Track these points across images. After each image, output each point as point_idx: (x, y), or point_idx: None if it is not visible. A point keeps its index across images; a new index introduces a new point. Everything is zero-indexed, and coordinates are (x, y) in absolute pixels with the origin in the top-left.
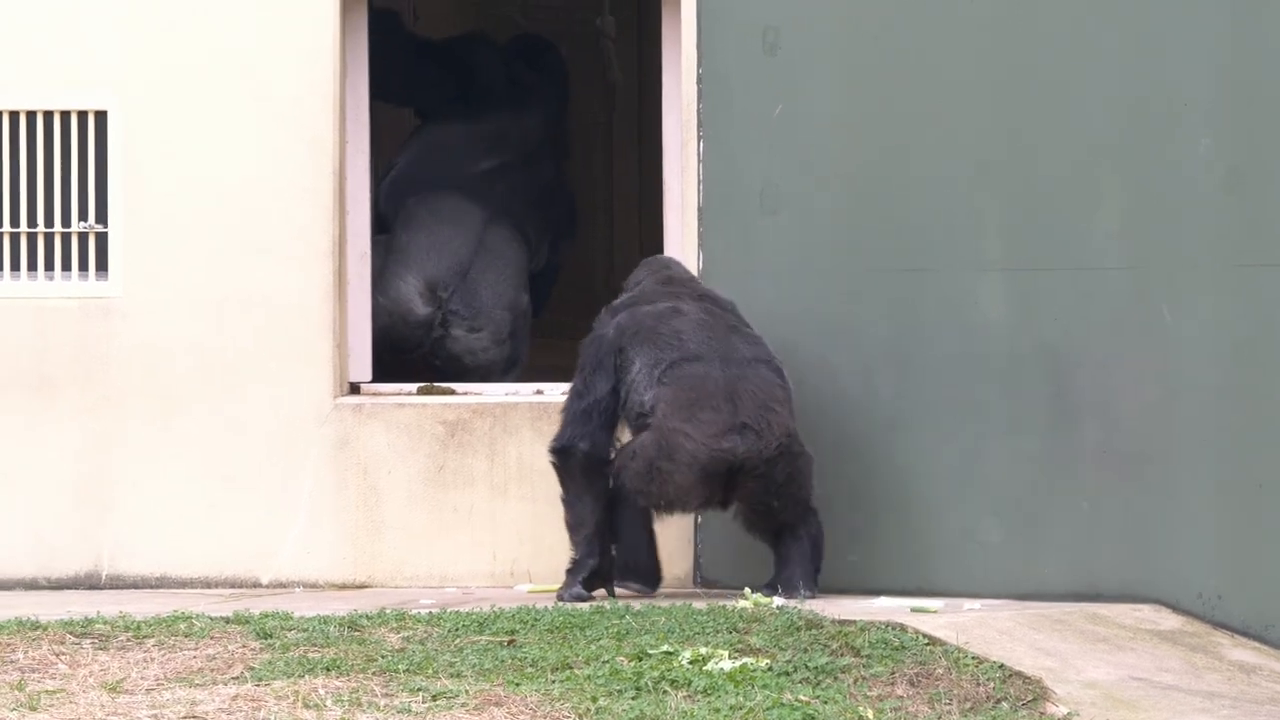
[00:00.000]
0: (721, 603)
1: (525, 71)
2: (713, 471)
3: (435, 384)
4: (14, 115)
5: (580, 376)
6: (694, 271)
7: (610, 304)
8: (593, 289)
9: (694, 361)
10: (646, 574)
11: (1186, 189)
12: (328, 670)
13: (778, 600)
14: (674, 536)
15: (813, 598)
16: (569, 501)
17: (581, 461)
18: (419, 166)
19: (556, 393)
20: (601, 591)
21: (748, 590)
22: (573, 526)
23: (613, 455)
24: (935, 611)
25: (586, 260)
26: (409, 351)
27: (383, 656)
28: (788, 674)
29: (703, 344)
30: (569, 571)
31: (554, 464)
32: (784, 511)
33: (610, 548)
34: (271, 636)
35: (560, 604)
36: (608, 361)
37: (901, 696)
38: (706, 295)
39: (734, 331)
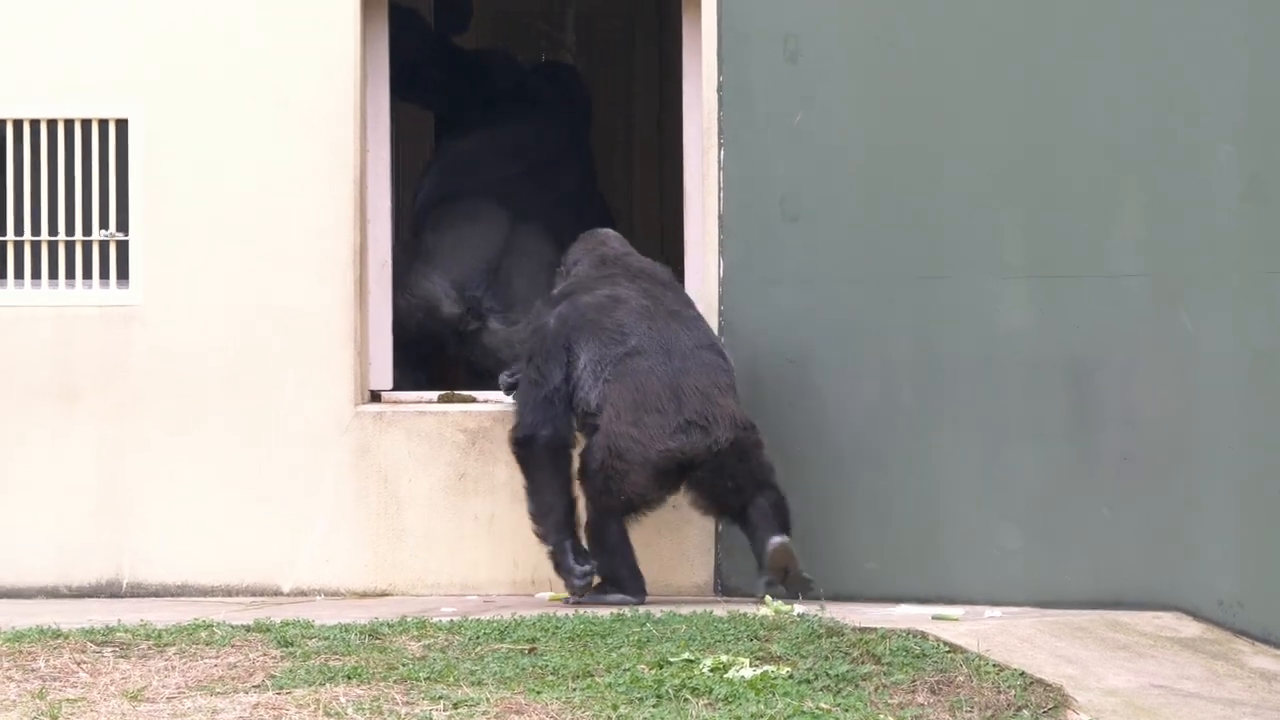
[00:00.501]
0: (742, 610)
1: (544, 86)
2: (665, 470)
3: (456, 392)
4: (35, 124)
5: (533, 365)
6: (715, 279)
7: (548, 294)
8: None
9: (637, 356)
10: (630, 584)
11: (1206, 197)
12: (349, 678)
13: (799, 608)
14: (694, 545)
15: (785, 540)
16: (534, 490)
17: (545, 448)
18: (444, 181)
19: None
20: (617, 595)
21: (768, 598)
22: (540, 515)
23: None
24: (956, 619)
25: None
26: (440, 350)
27: (404, 664)
28: (809, 682)
29: (644, 336)
30: (560, 567)
31: (517, 454)
32: (741, 493)
33: (577, 532)
34: (292, 645)
35: (579, 609)
36: (557, 352)
37: (923, 704)
38: (643, 273)
39: (674, 318)
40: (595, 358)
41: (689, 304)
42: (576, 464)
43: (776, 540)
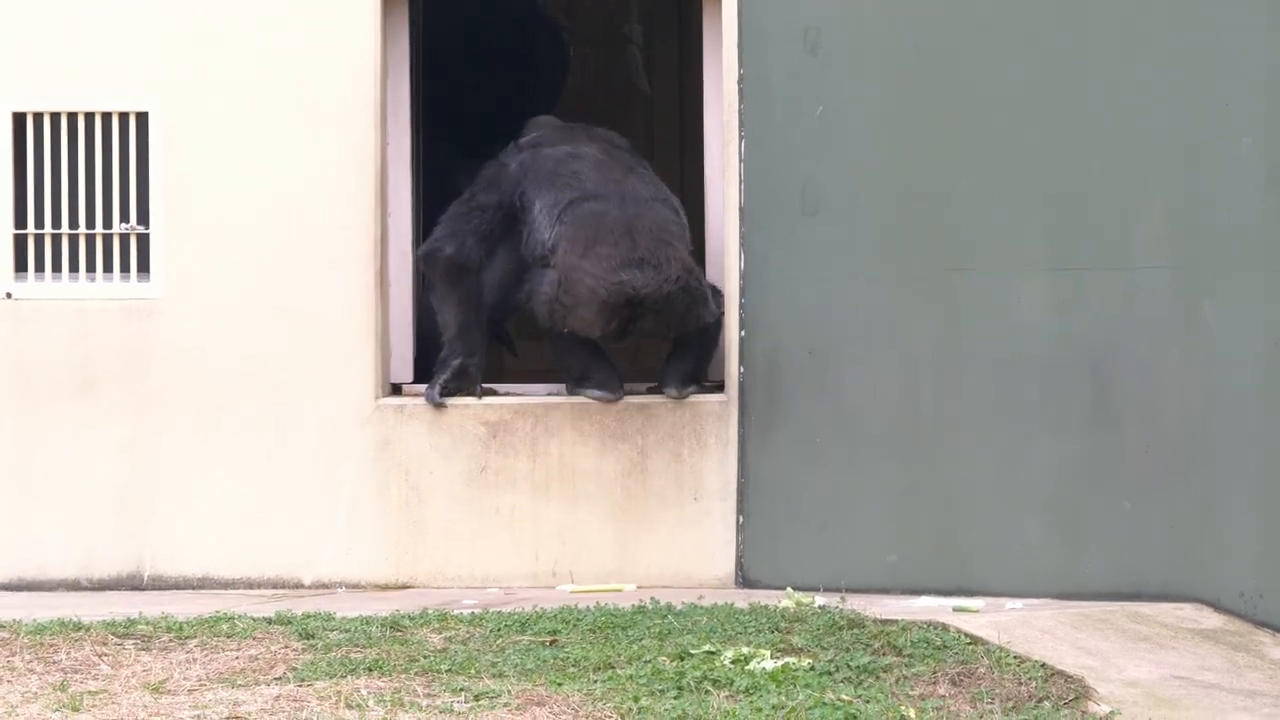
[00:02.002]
0: (763, 602)
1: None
2: (613, 305)
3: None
4: (55, 117)
5: (469, 192)
6: (735, 271)
7: (516, 141)
8: None
9: (592, 200)
10: (603, 380)
11: (1228, 189)
12: (370, 670)
13: (820, 600)
14: (715, 538)
15: (682, 397)
16: (436, 305)
17: (445, 264)
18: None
19: (598, 393)
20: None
21: (790, 589)
22: (441, 329)
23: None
24: (977, 611)
25: None
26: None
27: (425, 657)
28: (830, 673)
29: (601, 184)
30: (434, 371)
31: (422, 270)
32: (682, 333)
33: (479, 351)
34: (314, 637)
35: (600, 602)
36: (506, 188)
37: (944, 696)
38: (602, 137)
39: (631, 172)
40: (551, 202)
41: (646, 165)
42: (525, 295)
43: (671, 392)
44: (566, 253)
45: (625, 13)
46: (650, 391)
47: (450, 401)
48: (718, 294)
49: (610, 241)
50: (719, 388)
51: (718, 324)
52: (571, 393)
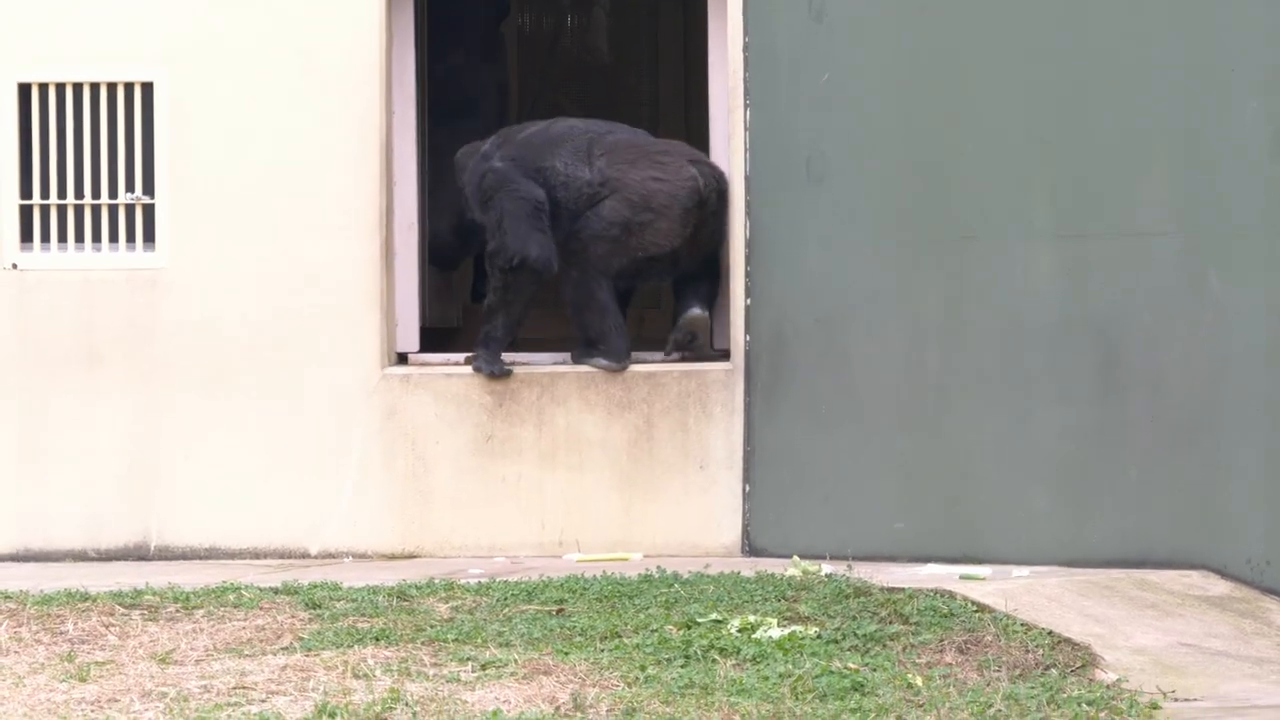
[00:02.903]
0: (770, 571)
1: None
2: (689, 206)
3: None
4: (60, 87)
5: (514, 186)
6: (741, 240)
7: (472, 161)
8: None
9: (612, 135)
10: (613, 348)
11: (1235, 155)
12: (376, 640)
13: (826, 568)
14: (721, 506)
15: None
16: (506, 296)
17: (531, 269)
18: None
19: (604, 362)
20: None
21: (796, 558)
22: (499, 309)
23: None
24: (983, 579)
25: None
26: None
27: (431, 626)
28: (836, 642)
29: (603, 128)
30: (485, 344)
31: (509, 278)
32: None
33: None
34: (320, 607)
35: (606, 570)
36: (529, 173)
37: (950, 664)
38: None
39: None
40: (569, 150)
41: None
42: (587, 235)
43: (696, 310)
44: (625, 173)
45: None
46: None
47: (457, 371)
48: None
49: (653, 155)
50: (725, 356)
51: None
52: (578, 360)
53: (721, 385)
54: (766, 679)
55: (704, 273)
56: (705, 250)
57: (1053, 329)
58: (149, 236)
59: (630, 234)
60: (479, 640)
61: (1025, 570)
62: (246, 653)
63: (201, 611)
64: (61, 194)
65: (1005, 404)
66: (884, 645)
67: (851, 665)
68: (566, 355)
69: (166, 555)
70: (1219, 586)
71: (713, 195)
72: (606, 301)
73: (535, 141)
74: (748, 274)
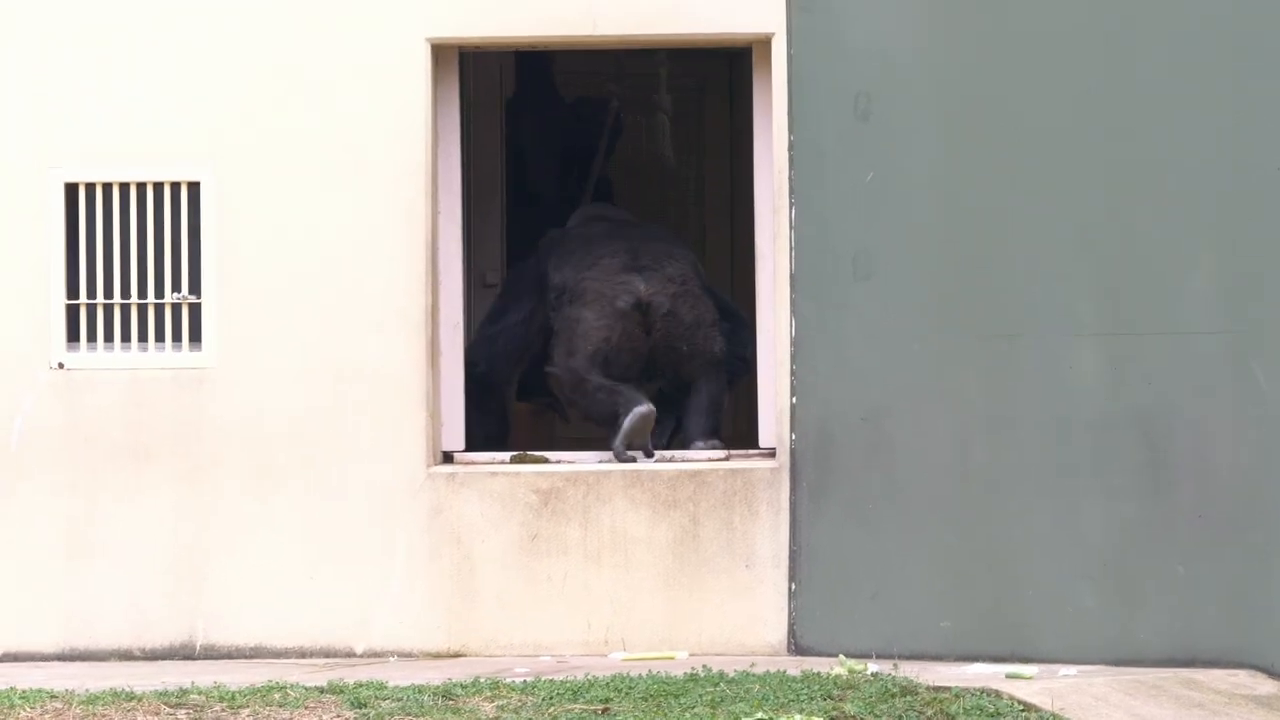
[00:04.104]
0: (816, 670)
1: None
2: (622, 309)
3: (528, 453)
4: (107, 187)
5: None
6: (786, 337)
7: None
8: None
9: (598, 242)
10: (631, 399)
11: (1279, 248)
12: None
13: (873, 667)
14: (767, 605)
15: (709, 448)
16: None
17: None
18: None
19: (650, 460)
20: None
21: (842, 657)
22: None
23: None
24: (1030, 677)
25: None
26: None
27: None
28: None
29: (608, 232)
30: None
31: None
32: (693, 359)
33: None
34: (366, 706)
35: (651, 670)
36: (530, 286)
37: None
38: (624, 220)
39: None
40: (558, 261)
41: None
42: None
43: (699, 444)
44: (572, 272)
45: (656, 81)
46: (672, 445)
47: (502, 469)
48: (740, 331)
49: (610, 254)
50: (770, 454)
51: (722, 369)
52: (619, 453)
53: (767, 483)
54: None
55: (701, 391)
56: (689, 354)
57: (1098, 425)
58: (195, 335)
59: (570, 336)
60: None
61: (1072, 669)
62: None
63: (247, 711)
64: (108, 294)
65: (1051, 500)
66: None
67: None
68: (610, 454)
69: (212, 654)
70: (1266, 686)
71: (661, 298)
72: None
73: (558, 247)
74: (793, 371)
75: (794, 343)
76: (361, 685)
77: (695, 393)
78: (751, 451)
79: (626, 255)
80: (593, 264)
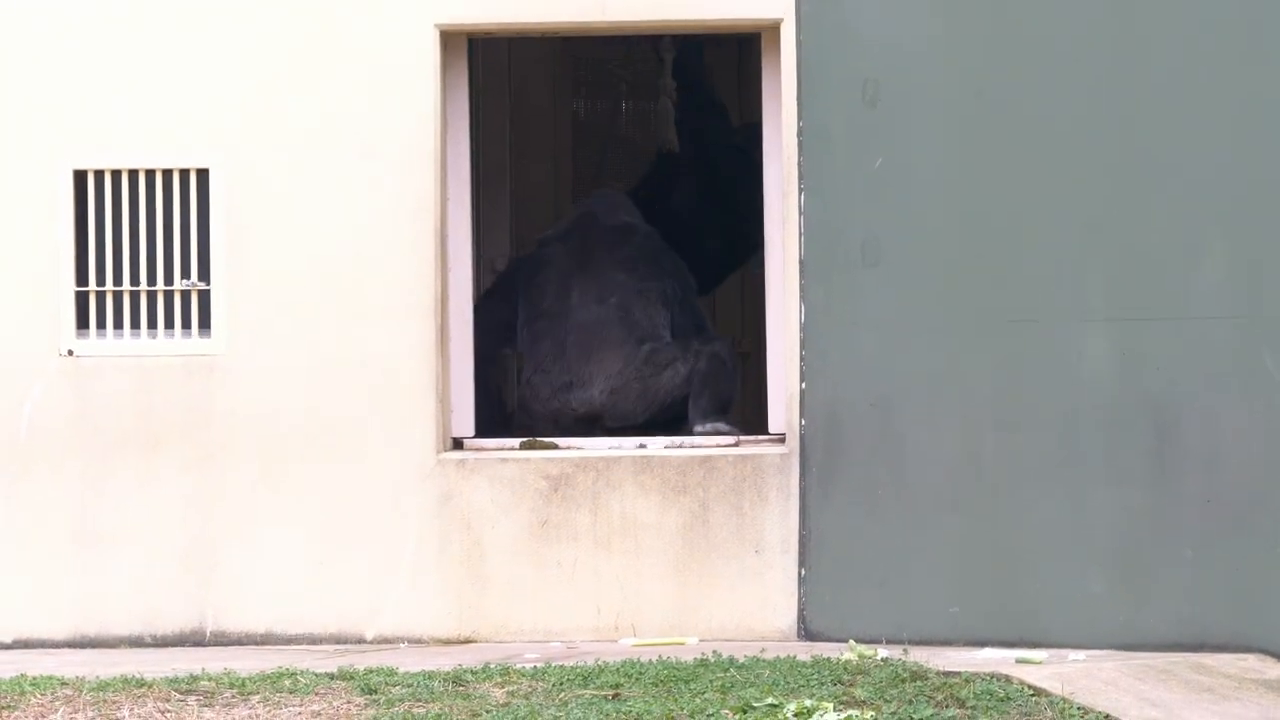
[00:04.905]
0: (826, 655)
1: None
2: (563, 423)
3: (538, 439)
4: (116, 174)
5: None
6: (795, 323)
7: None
8: None
9: (543, 319)
10: None
11: None
12: None
13: (883, 652)
14: (777, 589)
15: (708, 432)
16: None
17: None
18: None
19: (660, 446)
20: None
21: (852, 642)
22: None
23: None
24: (1040, 662)
25: None
26: None
27: (487, 711)
28: None
29: (556, 299)
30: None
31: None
32: (656, 400)
33: None
34: (376, 692)
35: (661, 655)
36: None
37: None
38: (603, 228)
39: (600, 274)
40: (523, 315)
41: (644, 241)
42: None
43: (698, 428)
44: (525, 370)
45: (659, 67)
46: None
47: (512, 455)
48: (701, 333)
49: (546, 366)
50: (780, 440)
51: (711, 356)
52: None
53: (776, 469)
54: None
55: (693, 381)
56: (643, 412)
57: (1108, 412)
58: (204, 322)
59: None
60: None
61: (1081, 654)
62: None
63: (257, 697)
64: (117, 281)
65: (1061, 487)
66: None
67: None
68: (621, 440)
69: (222, 640)
70: (1275, 670)
71: (592, 408)
72: None
73: (524, 276)
74: (802, 358)
75: (803, 328)
76: (372, 671)
77: (691, 383)
78: (761, 437)
79: (559, 363)
80: (536, 367)
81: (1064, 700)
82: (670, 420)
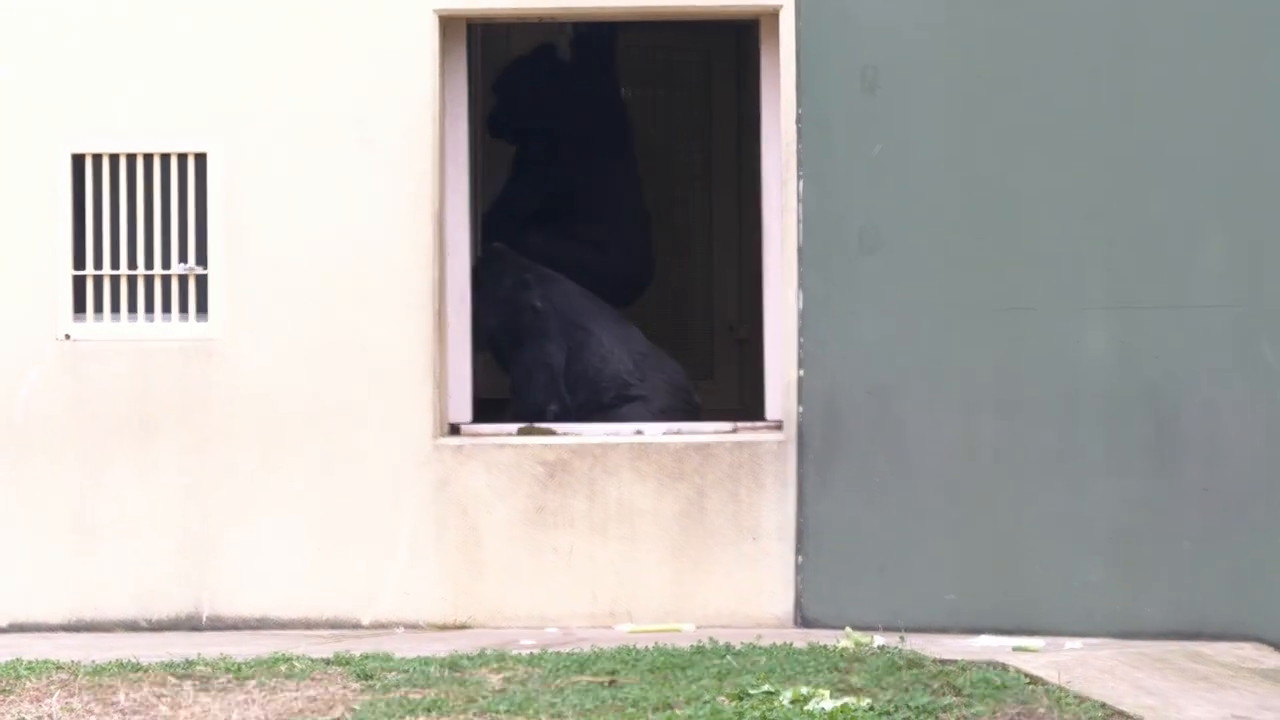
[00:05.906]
0: (822, 642)
1: None
2: None
3: (535, 425)
4: (114, 158)
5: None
6: (794, 311)
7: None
8: (692, 328)
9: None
10: None
11: None
12: (428, 711)
13: (879, 639)
14: (773, 577)
15: None
16: None
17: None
18: None
19: (657, 433)
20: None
21: (848, 629)
22: None
23: None
24: (1037, 650)
25: (687, 298)
26: None
27: (483, 697)
28: (889, 714)
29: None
30: None
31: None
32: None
33: None
34: (372, 677)
35: (659, 642)
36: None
37: None
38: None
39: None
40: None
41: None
42: None
43: None
44: None
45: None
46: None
47: (509, 441)
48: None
49: None
50: (777, 427)
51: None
52: None
53: (774, 456)
54: None
55: None
56: None
57: (1107, 400)
58: (202, 307)
59: None
60: (531, 711)
61: (1078, 642)
62: None
63: (253, 682)
64: (115, 265)
65: (1059, 475)
66: (936, 717)
67: None
68: (618, 426)
69: (218, 625)
70: (1272, 659)
71: None
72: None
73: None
74: (800, 345)
75: (801, 316)
76: (368, 656)
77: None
78: (758, 424)
79: None
80: None
81: (1060, 688)
82: None
